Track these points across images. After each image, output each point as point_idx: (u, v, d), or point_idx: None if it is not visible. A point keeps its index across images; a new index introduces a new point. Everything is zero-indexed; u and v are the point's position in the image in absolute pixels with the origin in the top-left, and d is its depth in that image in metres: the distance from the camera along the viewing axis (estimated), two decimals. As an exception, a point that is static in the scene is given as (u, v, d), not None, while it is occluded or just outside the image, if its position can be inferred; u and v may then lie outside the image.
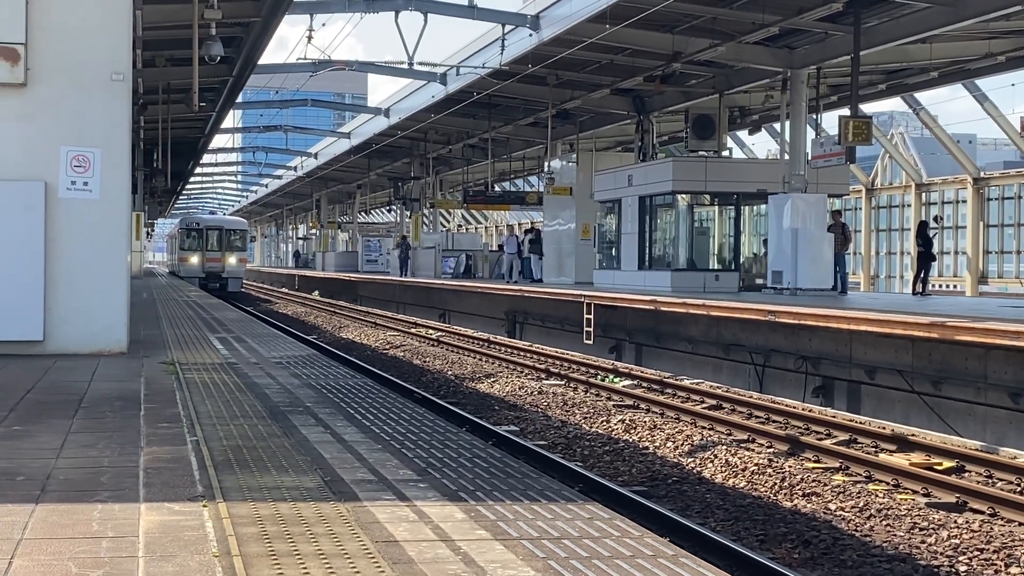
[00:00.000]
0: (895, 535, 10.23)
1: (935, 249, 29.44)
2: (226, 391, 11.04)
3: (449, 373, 23.23)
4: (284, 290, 71.32)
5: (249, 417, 9.29)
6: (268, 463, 7.30)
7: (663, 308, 24.52)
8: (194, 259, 56.86)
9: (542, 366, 23.36)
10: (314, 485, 6.66)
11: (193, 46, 22.32)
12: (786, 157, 28.19)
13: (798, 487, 12.02)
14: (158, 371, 12.66)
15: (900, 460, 13.14)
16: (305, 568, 4.94)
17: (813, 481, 12.23)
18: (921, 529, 10.40)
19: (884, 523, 10.62)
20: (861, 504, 11.24)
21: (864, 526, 10.55)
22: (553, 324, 31.56)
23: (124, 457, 7.42)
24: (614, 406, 18.04)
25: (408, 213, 58.82)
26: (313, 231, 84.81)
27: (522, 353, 26.67)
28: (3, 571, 4.82)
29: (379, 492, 6.52)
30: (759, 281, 30.02)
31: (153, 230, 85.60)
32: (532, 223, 51.75)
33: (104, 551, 5.14)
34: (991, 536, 10.11)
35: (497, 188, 54.47)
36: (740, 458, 13.40)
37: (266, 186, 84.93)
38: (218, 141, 60.45)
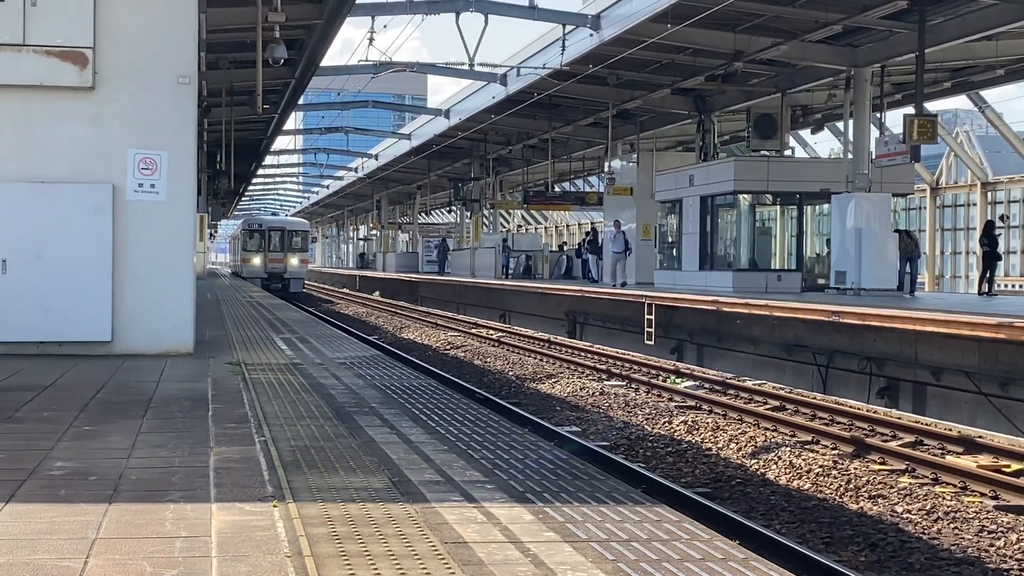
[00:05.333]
0: (963, 538, 10.12)
1: (1001, 249, 29.12)
2: (292, 392, 11.12)
3: (510, 373, 23.25)
4: (345, 290, 71.70)
5: (315, 418, 9.36)
6: (336, 464, 7.35)
7: (725, 308, 24.41)
8: (256, 260, 57.28)
9: (603, 367, 23.31)
10: (382, 486, 6.69)
11: (257, 49, 22.56)
12: (850, 156, 27.98)
13: (864, 489, 11.92)
14: (224, 371, 12.78)
15: (967, 462, 12.99)
16: (376, 569, 4.97)
17: (879, 483, 12.12)
18: (989, 532, 10.28)
19: (952, 526, 10.51)
20: (928, 507, 11.13)
21: (931, 529, 10.44)
22: (614, 325, 31.49)
23: (194, 457, 7.50)
24: (676, 407, 17.97)
25: (468, 214, 58.96)
26: (374, 232, 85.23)
27: (583, 354, 26.64)
28: (79, 570, 4.88)
29: (447, 493, 6.55)
30: (821, 281, 29.83)
31: (216, 231, 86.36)
32: (592, 224, 51.74)
33: (178, 551, 5.20)
34: (1062, 540, 9.97)
35: (557, 188, 54.47)
36: (804, 460, 13.31)
37: (327, 187, 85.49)
38: (280, 143, 60.91)
